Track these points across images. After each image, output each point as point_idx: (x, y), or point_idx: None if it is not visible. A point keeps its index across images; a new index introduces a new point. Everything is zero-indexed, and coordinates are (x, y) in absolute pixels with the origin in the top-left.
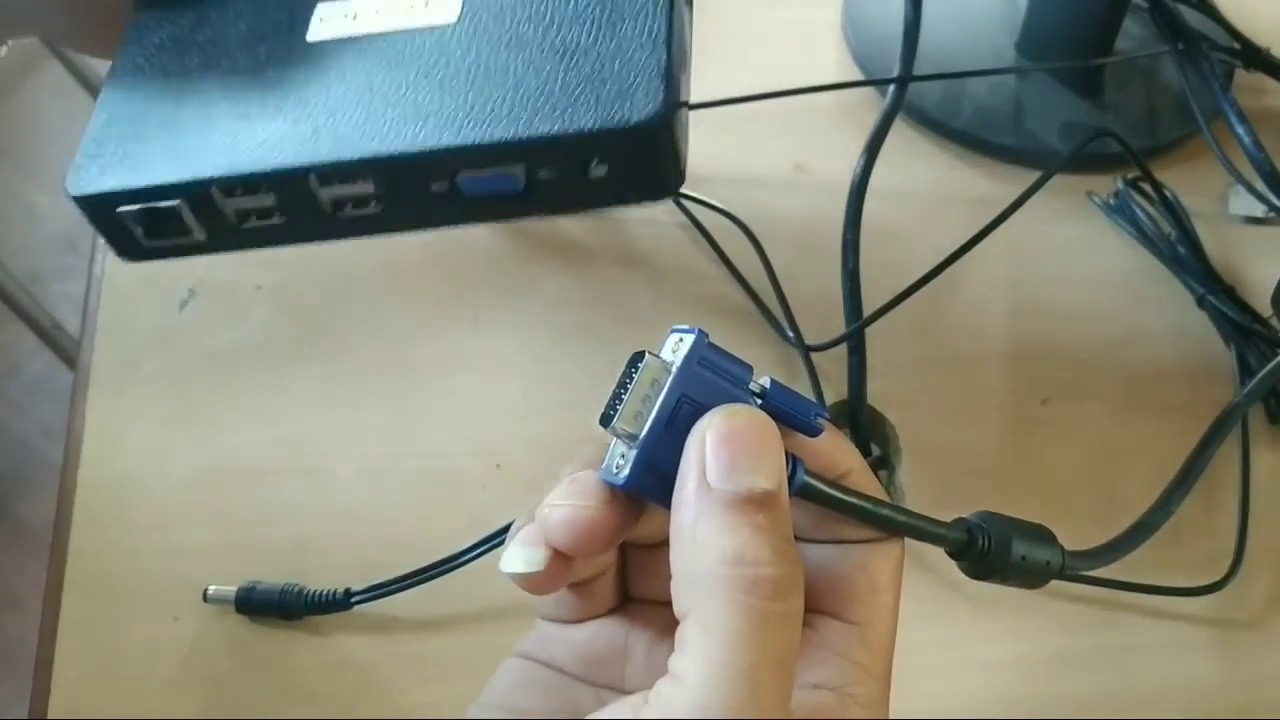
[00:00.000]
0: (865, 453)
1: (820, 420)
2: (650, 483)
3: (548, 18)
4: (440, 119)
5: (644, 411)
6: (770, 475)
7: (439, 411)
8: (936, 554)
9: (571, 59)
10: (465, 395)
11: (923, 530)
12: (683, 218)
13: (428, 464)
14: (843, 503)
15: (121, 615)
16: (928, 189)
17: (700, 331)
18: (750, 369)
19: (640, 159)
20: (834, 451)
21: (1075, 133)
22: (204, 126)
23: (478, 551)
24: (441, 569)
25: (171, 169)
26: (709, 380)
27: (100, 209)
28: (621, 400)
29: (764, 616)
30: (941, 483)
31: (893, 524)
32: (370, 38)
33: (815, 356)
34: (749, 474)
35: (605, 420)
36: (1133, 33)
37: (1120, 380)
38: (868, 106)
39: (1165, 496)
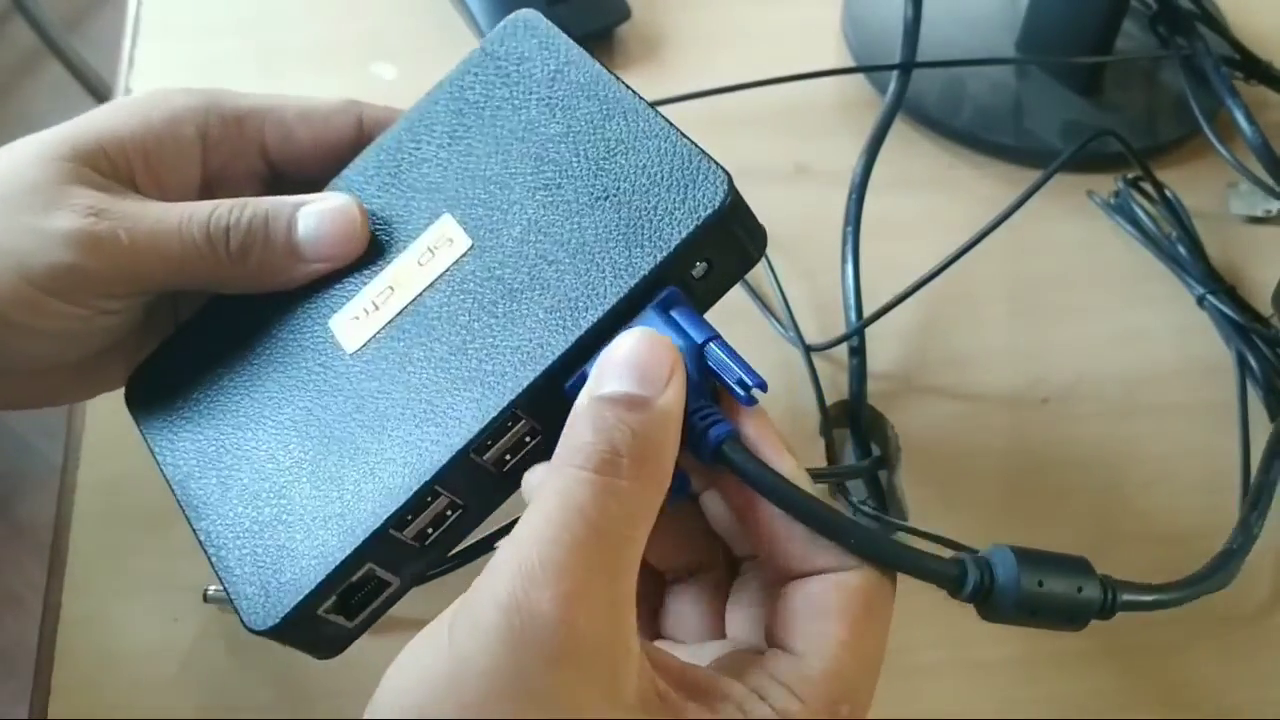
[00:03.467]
0: (865, 453)
1: (754, 391)
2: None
3: (558, 183)
4: (548, 325)
5: None
6: (643, 384)
7: None
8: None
9: (612, 198)
10: None
11: (894, 552)
12: None
13: None
14: (758, 478)
15: (121, 615)
16: (928, 189)
17: (673, 290)
18: (708, 332)
19: (730, 239)
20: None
21: (1076, 132)
22: (334, 490)
23: (478, 552)
24: (441, 569)
25: (339, 541)
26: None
27: (300, 624)
28: None
29: (586, 482)
30: (941, 483)
31: (823, 523)
32: (406, 313)
33: (815, 356)
34: (617, 380)
35: None
36: (1133, 33)
37: (1120, 380)
38: (868, 106)
39: (1245, 521)
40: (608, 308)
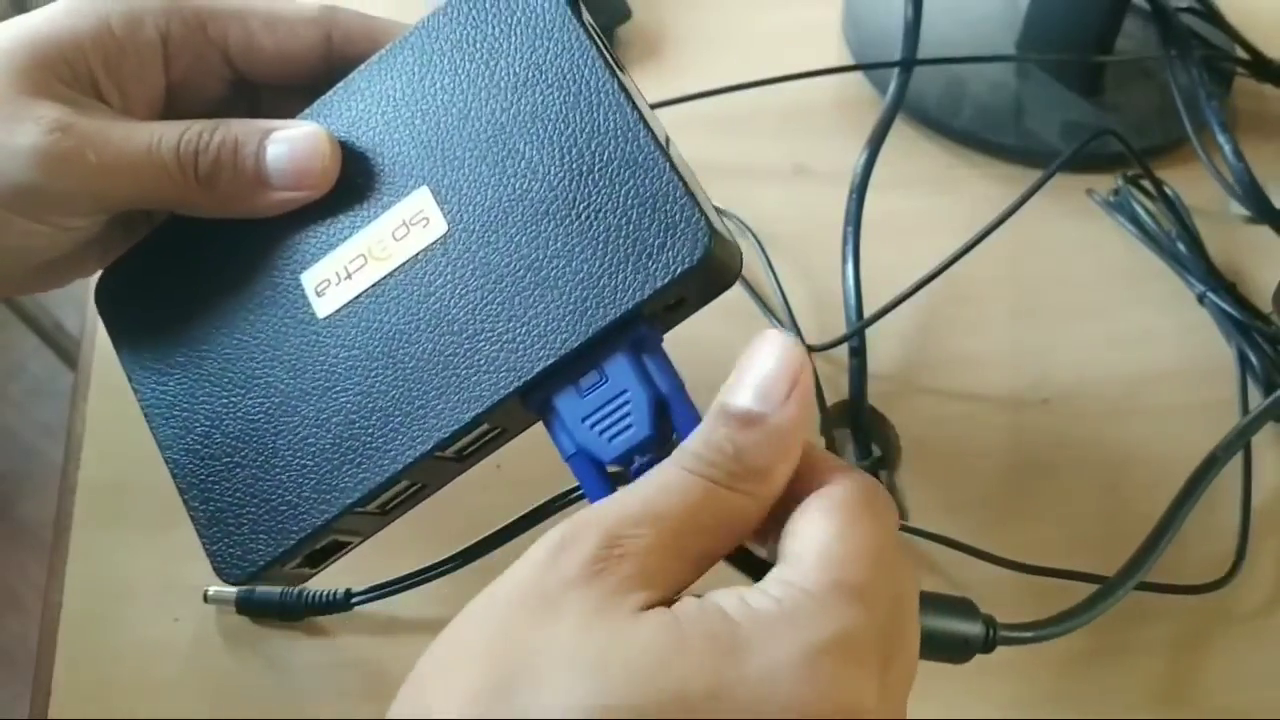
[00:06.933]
0: (866, 453)
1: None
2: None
3: (538, 182)
4: (519, 345)
5: None
6: (762, 400)
7: None
8: (940, 555)
9: (591, 218)
10: None
11: None
12: None
13: None
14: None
15: (121, 615)
16: (928, 189)
17: (644, 332)
18: (673, 383)
19: (706, 274)
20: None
21: (1076, 132)
22: (303, 458)
23: (477, 552)
24: (441, 569)
25: (308, 511)
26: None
27: (266, 577)
28: None
29: (680, 477)
30: (942, 484)
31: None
32: (377, 290)
33: (816, 357)
34: (740, 394)
35: None
36: (1134, 33)
37: (1120, 380)
38: (868, 106)
39: (1138, 556)
40: (577, 344)
